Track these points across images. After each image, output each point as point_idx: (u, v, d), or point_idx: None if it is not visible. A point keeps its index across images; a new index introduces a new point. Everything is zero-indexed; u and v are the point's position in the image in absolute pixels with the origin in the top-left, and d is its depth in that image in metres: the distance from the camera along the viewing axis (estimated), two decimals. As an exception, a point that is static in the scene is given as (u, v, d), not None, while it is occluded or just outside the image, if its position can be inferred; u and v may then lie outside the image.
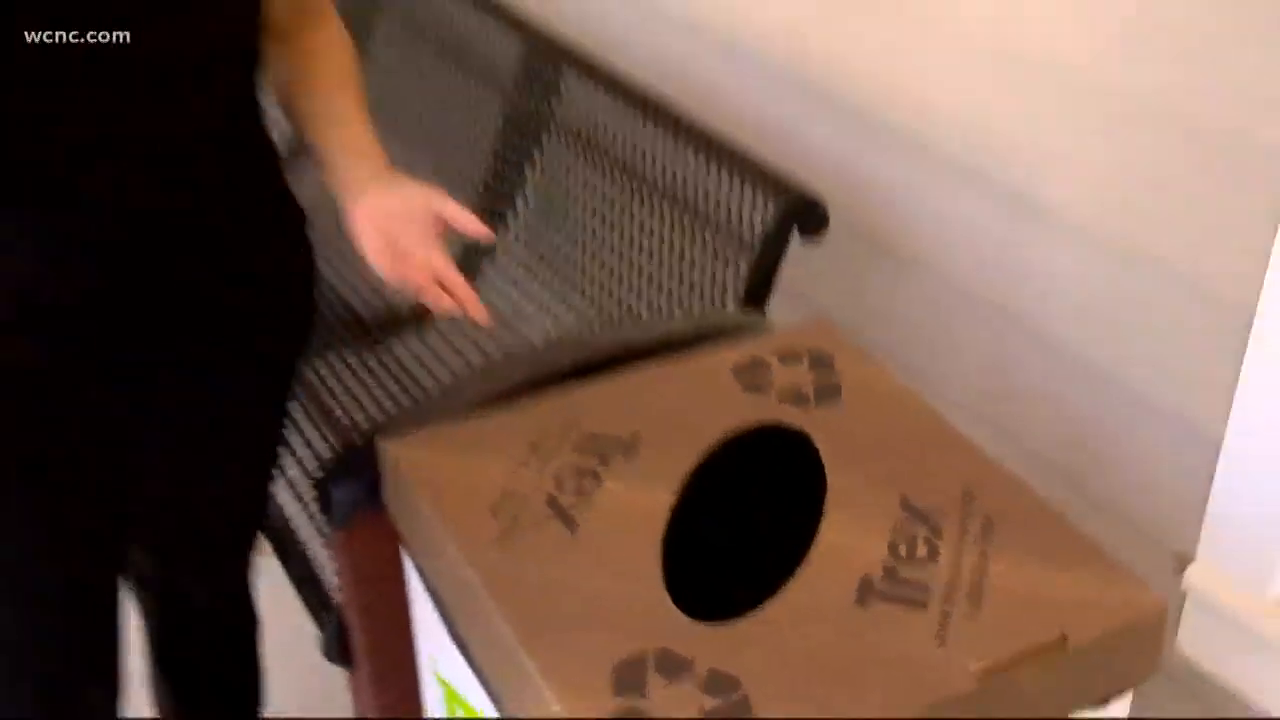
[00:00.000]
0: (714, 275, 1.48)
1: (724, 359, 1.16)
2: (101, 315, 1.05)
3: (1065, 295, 1.36)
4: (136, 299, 1.05)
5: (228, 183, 1.09)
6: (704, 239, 1.51)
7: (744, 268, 1.43)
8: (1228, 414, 1.21)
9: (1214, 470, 1.23)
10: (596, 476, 1.00)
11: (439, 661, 1.08)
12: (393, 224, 1.04)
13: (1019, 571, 0.90)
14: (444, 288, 1.05)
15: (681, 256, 1.54)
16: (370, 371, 1.70)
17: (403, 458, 1.02)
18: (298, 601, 1.47)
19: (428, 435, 1.05)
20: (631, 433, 1.05)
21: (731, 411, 1.08)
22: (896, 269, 1.56)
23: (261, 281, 1.15)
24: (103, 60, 0.93)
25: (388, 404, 1.64)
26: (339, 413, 1.63)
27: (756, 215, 1.44)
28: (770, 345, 1.18)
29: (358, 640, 1.16)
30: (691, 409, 1.09)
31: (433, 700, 1.14)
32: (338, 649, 1.22)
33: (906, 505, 0.97)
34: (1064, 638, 0.85)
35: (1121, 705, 0.92)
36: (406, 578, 1.09)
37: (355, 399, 1.64)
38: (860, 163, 1.55)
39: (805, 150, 1.60)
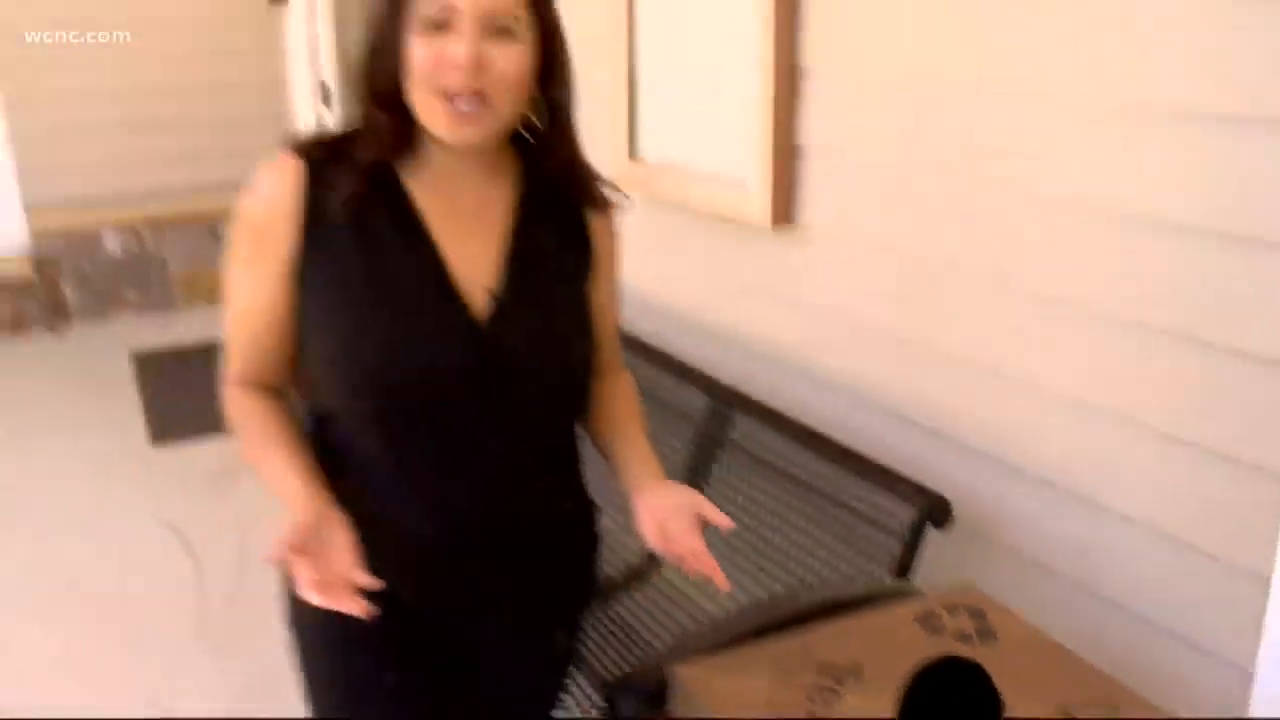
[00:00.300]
0: (868, 554, 1.92)
1: (907, 611, 1.57)
2: (446, 574, 1.43)
3: (1137, 577, 1.77)
4: (474, 567, 1.43)
5: (556, 483, 1.50)
6: (857, 528, 1.95)
7: (892, 547, 1.87)
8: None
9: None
10: (836, 692, 1.38)
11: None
12: (665, 514, 1.38)
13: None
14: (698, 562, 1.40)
15: (841, 540, 1.98)
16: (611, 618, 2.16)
17: (690, 677, 1.41)
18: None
19: (706, 661, 1.44)
20: (854, 661, 1.45)
21: (921, 647, 1.48)
22: (989, 549, 1.98)
23: (567, 560, 1.56)
24: (505, 391, 1.36)
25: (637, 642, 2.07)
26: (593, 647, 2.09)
27: (899, 512, 1.89)
28: (938, 601, 1.59)
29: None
30: (893, 644, 1.48)
31: None
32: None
33: (1064, 711, 1.35)
34: None
35: None
36: None
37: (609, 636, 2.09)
38: (964, 476, 2.01)
39: (925, 463, 2.06)
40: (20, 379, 4.83)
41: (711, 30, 2.47)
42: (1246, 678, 1.65)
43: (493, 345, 1.36)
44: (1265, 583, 1.60)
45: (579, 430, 1.54)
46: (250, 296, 1.38)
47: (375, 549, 1.28)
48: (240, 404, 1.43)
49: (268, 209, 1.35)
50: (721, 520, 1.36)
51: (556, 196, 1.44)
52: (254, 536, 3.43)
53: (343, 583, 1.21)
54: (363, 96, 1.35)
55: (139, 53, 5.33)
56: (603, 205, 1.47)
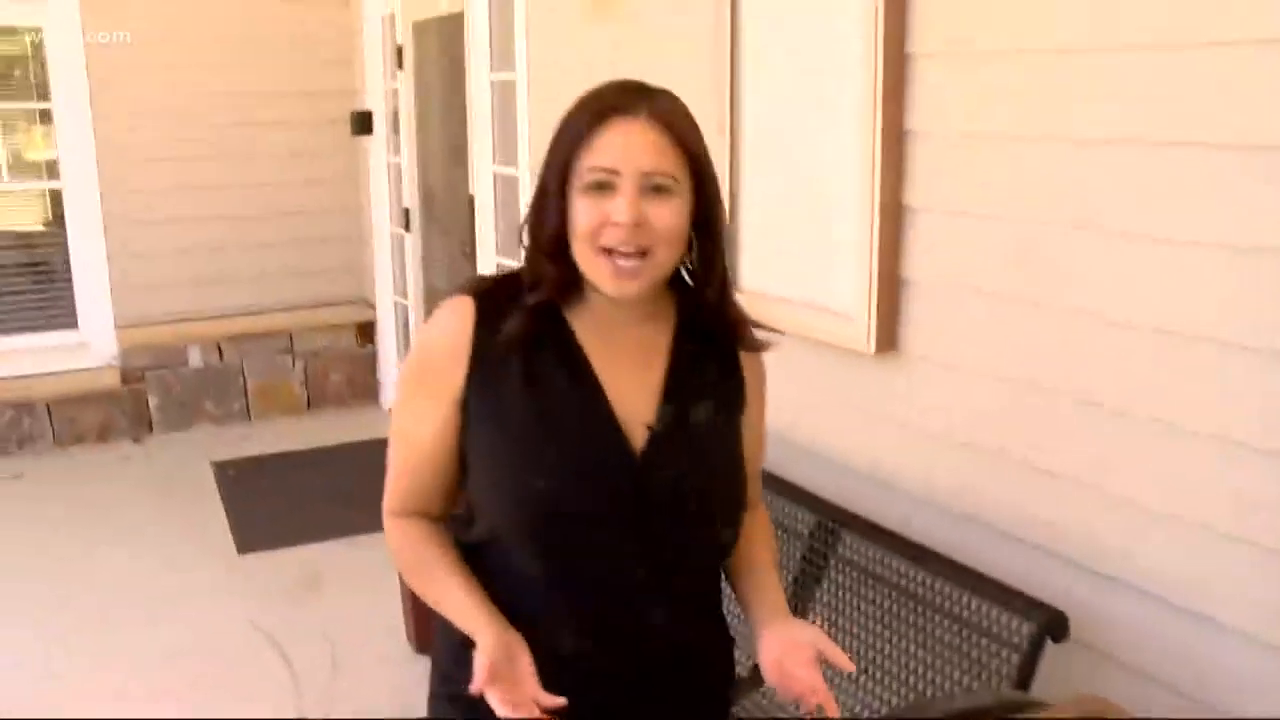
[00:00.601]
0: (985, 668, 2.01)
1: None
2: (590, 693, 1.43)
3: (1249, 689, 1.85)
4: (617, 690, 1.49)
5: (702, 614, 1.58)
6: (973, 643, 2.05)
7: (1011, 661, 1.96)
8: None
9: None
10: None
11: None
12: (786, 651, 1.45)
13: None
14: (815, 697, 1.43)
15: (957, 652, 2.07)
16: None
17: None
18: None
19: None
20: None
21: (1066, 755, 1.57)
22: (1096, 661, 2.06)
23: (705, 691, 1.61)
24: (658, 521, 1.46)
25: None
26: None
27: (1017, 626, 1.99)
28: (1072, 710, 1.68)
29: None
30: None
31: None
32: None
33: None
34: None
35: None
36: None
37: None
38: (1070, 588, 2.11)
39: (1031, 577, 2.16)
40: (109, 486, 4.98)
41: (817, 170, 2.65)
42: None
43: (648, 477, 1.45)
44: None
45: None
46: (417, 429, 1.49)
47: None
48: (404, 533, 1.53)
49: (442, 346, 1.47)
50: (842, 662, 1.42)
51: (710, 336, 1.53)
52: (344, 642, 3.53)
53: (530, 705, 1.31)
54: (530, 246, 1.47)
55: (229, 184, 5.63)
56: (753, 346, 1.55)
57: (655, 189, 1.39)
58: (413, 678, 3.35)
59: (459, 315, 1.46)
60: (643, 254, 1.39)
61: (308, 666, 3.41)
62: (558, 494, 1.43)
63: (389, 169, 5.69)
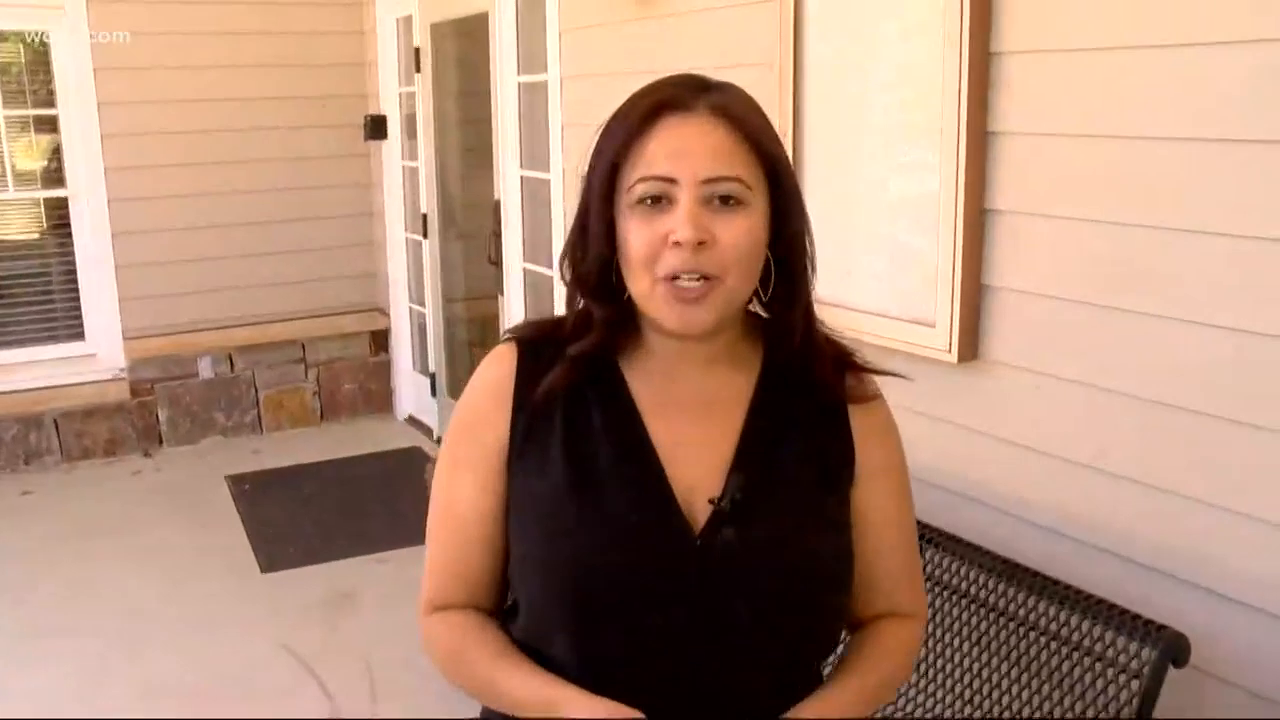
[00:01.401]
0: (1102, 692, 1.91)
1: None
2: None
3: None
4: None
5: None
6: (1085, 664, 1.95)
7: (1131, 686, 1.86)
8: None
9: None
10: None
11: None
12: None
13: None
14: None
15: (1067, 678, 1.97)
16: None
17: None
18: None
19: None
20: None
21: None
22: (1207, 686, 1.97)
23: None
24: (723, 617, 1.17)
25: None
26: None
27: (1137, 650, 1.88)
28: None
29: None
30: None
31: None
32: None
33: None
34: None
35: None
36: None
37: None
38: (1177, 608, 2.02)
39: (1132, 596, 2.07)
40: (120, 502, 4.82)
41: (893, 175, 2.55)
42: None
43: (709, 563, 1.16)
44: None
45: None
46: (459, 500, 1.25)
47: None
48: (444, 624, 1.27)
49: (480, 400, 1.25)
50: None
51: (803, 386, 1.24)
52: (383, 665, 3.40)
53: None
54: (571, 282, 1.23)
55: (238, 191, 5.49)
56: (860, 396, 1.26)
57: (722, 200, 1.14)
58: (458, 701, 3.23)
59: (500, 365, 1.25)
60: (709, 280, 1.13)
61: (346, 691, 3.28)
62: (593, 576, 1.17)
63: (404, 174, 5.56)
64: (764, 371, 1.25)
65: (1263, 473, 1.90)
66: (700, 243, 1.12)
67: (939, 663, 2.22)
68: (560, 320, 1.27)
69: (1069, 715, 1.98)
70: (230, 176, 5.46)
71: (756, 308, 1.26)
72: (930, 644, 2.24)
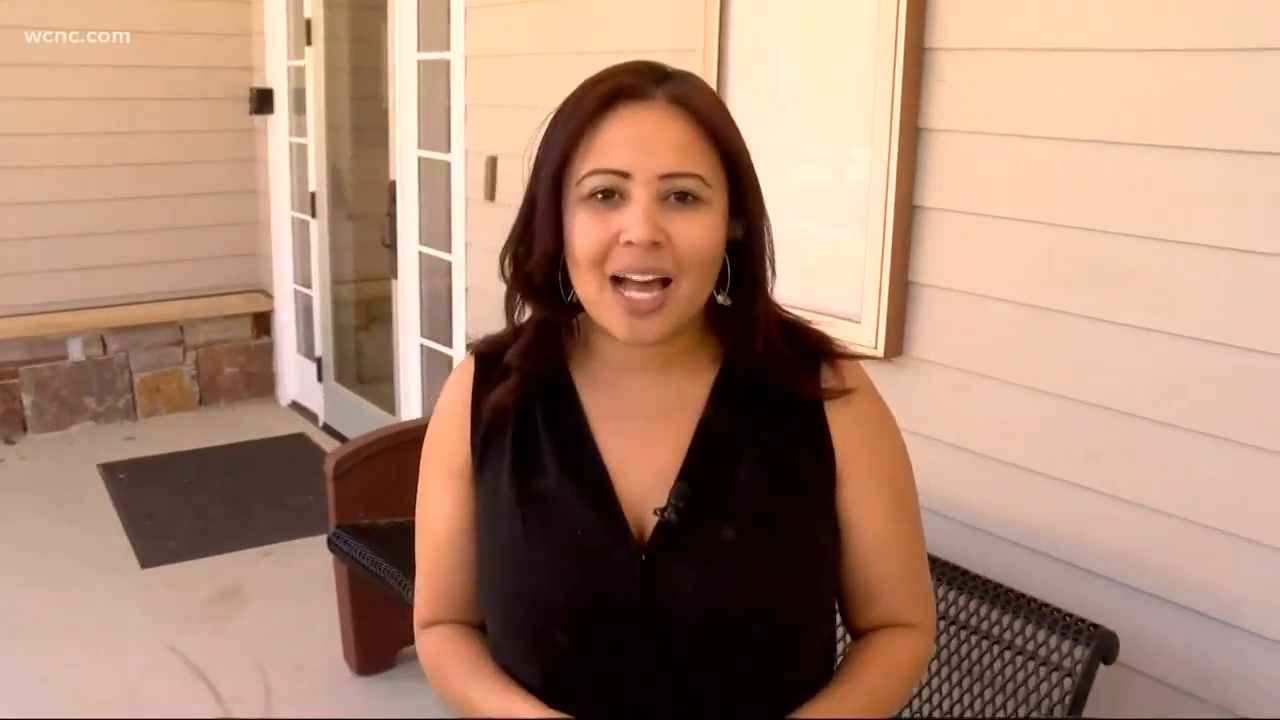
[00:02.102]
0: (1034, 691, 1.93)
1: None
2: None
3: None
4: None
5: None
6: (1026, 667, 1.96)
7: (1063, 683, 1.88)
8: None
9: None
10: None
11: None
12: None
13: None
14: None
15: (1000, 676, 1.98)
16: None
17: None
18: None
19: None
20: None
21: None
22: (1139, 681, 2.01)
23: None
24: (673, 641, 1.11)
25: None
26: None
27: (1069, 648, 1.90)
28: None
29: None
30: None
31: None
32: None
33: None
34: None
35: None
36: None
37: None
38: (1100, 603, 2.05)
39: (1056, 592, 2.09)
40: (-18, 494, 4.53)
41: (821, 169, 2.52)
42: None
43: (655, 580, 1.10)
44: None
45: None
46: (440, 522, 1.23)
47: None
48: (438, 645, 1.24)
49: (444, 419, 1.22)
50: None
51: (766, 388, 1.16)
52: (275, 665, 3.26)
53: None
54: (511, 281, 1.16)
55: (114, 164, 5.19)
56: (836, 392, 1.17)
57: (679, 196, 1.06)
58: (354, 705, 3.12)
59: (458, 382, 1.22)
60: (664, 283, 1.06)
61: (239, 696, 3.13)
62: (543, 598, 1.13)
63: (291, 151, 5.34)
64: (721, 374, 1.17)
65: (1186, 473, 1.94)
66: (655, 243, 1.04)
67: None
68: (518, 329, 1.19)
69: (1000, 714, 1.99)
70: (104, 149, 5.15)
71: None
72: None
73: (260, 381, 5.70)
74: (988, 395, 2.24)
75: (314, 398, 5.44)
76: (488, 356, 1.21)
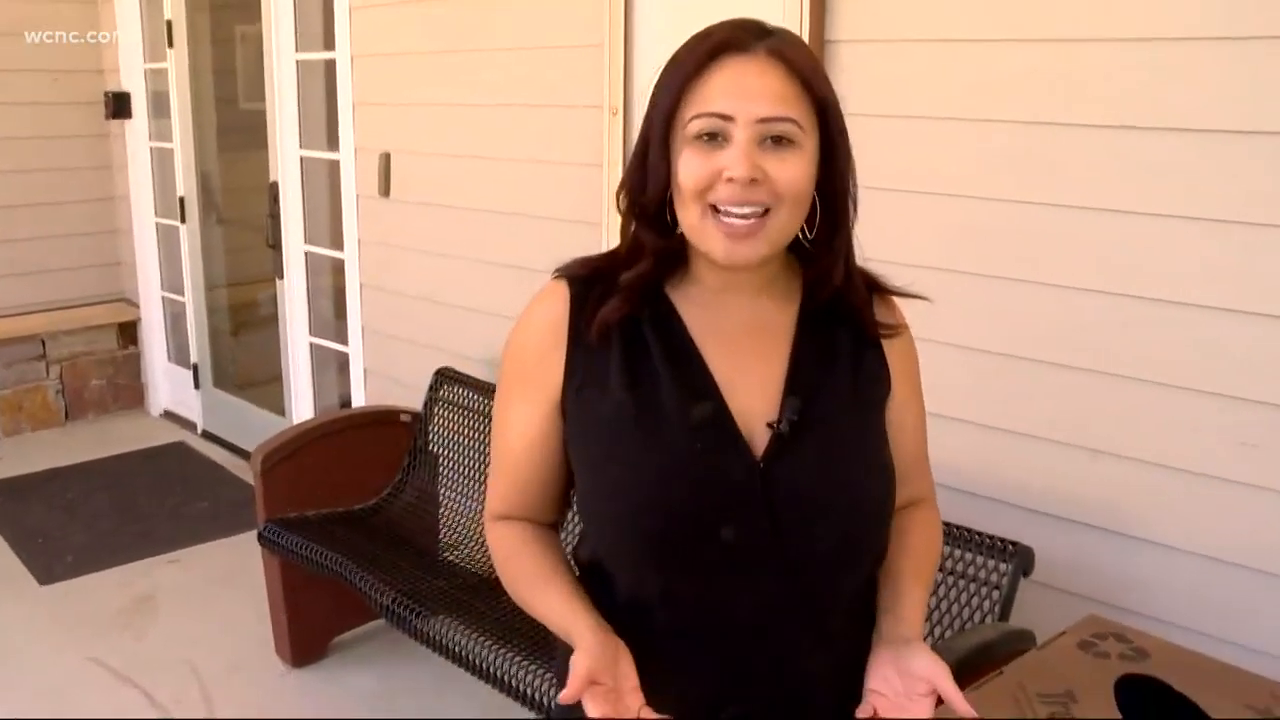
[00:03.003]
0: (972, 604, 2.19)
1: (1066, 643, 1.83)
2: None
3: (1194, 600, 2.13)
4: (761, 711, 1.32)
5: (845, 638, 1.32)
6: (958, 585, 2.22)
7: (992, 595, 2.15)
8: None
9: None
10: (1069, 711, 1.62)
11: None
12: (892, 675, 1.24)
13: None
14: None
15: (946, 599, 2.23)
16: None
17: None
18: None
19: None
20: (1065, 689, 1.69)
21: (1103, 669, 1.75)
22: (1044, 593, 2.29)
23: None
24: (788, 534, 1.24)
25: None
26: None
27: (994, 565, 2.17)
28: (1086, 632, 1.87)
29: None
30: (1080, 671, 1.74)
31: None
32: None
33: (1250, 707, 1.65)
34: None
35: None
36: None
37: None
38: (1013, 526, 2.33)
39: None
40: None
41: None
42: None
43: (774, 484, 1.24)
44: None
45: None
46: (516, 430, 1.32)
47: (649, 690, 1.17)
48: (506, 539, 1.36)
49: (534, 339, 1.30)
50: (961, 705, 1.20)
51: (843, 314, 1.31)
52: (206, 667, 3.27)
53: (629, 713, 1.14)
54: (626, 212, 1.28)
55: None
56: (892, 331, 1.34)
57: (775, 139, 1.18)
58: (295, 697, 3.17)
59: (552, 303, 1.29)
60: (758, 215, 1.18)
61: (176, 698, 3.14)
62: (663, 509, 1.23)
63: (153, 156, 5.24)
64: (805, 301, 1.31)
65: (1081, 407, 2.23)
66: (753, 180, 1.17)
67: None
68: (610, 254, 1.31)
69: (937, 628, 2.24)
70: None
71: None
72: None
73: (129, 392, 5.57)
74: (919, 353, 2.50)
75: (190, 405, 5.37)
76: (584, 281, 1.29)
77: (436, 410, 3.43)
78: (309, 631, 3.28)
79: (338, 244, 4.16)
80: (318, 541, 3.00)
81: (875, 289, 1.35)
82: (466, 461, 3.31)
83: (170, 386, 5.53)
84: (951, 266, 2.38)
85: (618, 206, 1.30)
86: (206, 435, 5.24)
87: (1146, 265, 2.11)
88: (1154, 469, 2.16)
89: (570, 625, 1.23)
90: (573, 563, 1.38)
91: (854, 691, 1.26)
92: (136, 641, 3.44)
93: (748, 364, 1.28)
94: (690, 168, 1.19)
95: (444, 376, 3.44)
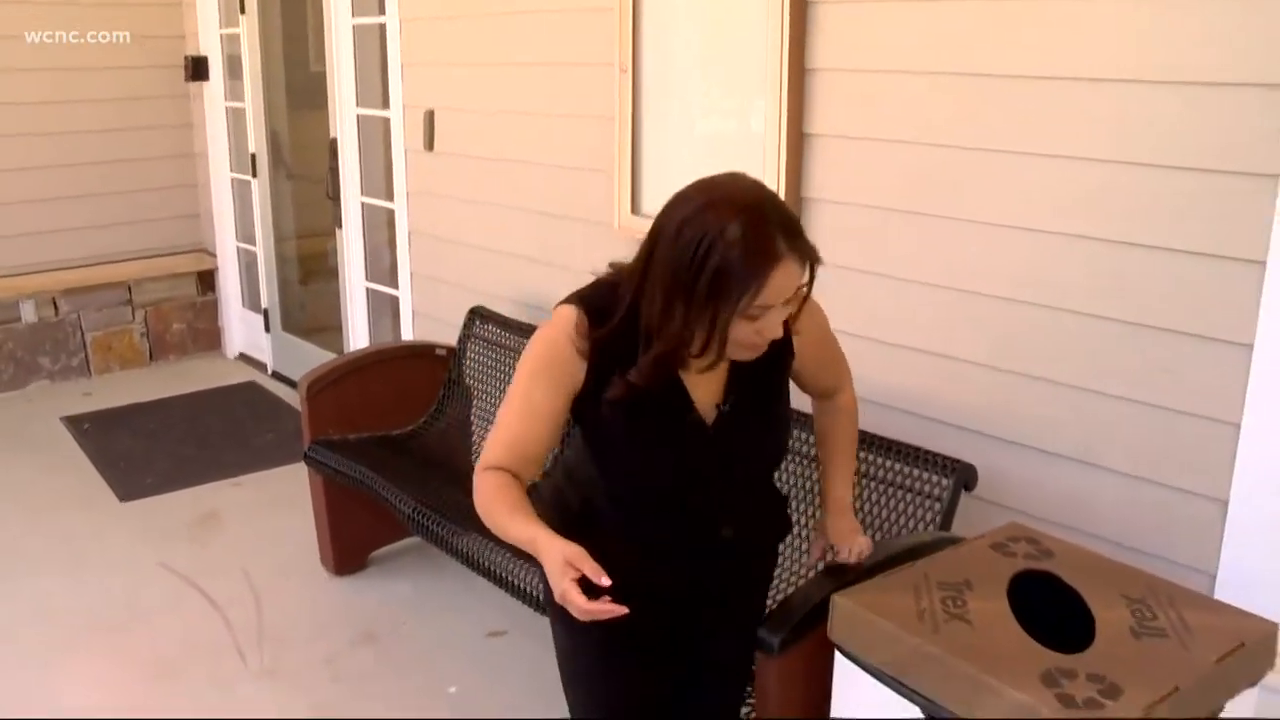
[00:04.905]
0: (916, 514, 2.41)
1: (981, 544, 2.06)
2: (673, 590, 1.90)
3: (1121, 515, 2.32)
4: (696, 581, 1.91)
5: (762, 511, 2.00)
6: (905, 497, 2.44)
7: (934, 507, 2.37)
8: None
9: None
10: (963, 599, 1.85)
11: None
12: (844, 538, 2.02)
13: (1199, 617, 1.79)
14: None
15: (893, 511, 2.46)
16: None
17: (853, 601, 1.84)
18: None
19: (855, 590, 1.88)
20: (964, 579, 1.92)
21: (1004, 566, 1.96)
22: (989, 510, 2.50)
23: (763, 552, 2.08)
24: (728, 476, 1.87)
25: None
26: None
27: (937, 480, 2.39)
28: (1002, 535, 2.09)
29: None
30: (984, 566, 1.96)
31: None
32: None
33: (1126, 596, 1.86)
34: (1243, 644, 1.72)
35: (1254, 690, 1.79)
36: (831, 678, 1.89)
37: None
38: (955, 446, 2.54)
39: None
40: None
41: (721, 104, 2.95)
42: (1210, 580, 2.21)
43: (720, 446, 1.83)
44: (1224, 505, 2.17)
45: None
46: (534, 406, 1.74)
47: (626, 585, 1.59)
48: (494, 479, 1.74)
49: (561, 344, 1.72)
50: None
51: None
52: (259, 573, 3.64)
53: (600, 593, 1.55)
54: (652, 330, 1.66)
55: (58, 132, 5.45)
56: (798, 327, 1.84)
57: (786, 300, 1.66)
58: (335, 600, 3.52)
59: (579, 327, 1.72)
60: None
61: (230, 600, 3.50)
62: (651, 472, 1.82)
63: (228, 115, 5.62)
64: None
65: (1032, 338, 2.42)
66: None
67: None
68: (613, 288, 1.73)
69: (885, 535, 2.47)
70: (50, 117, 5.43)
71: None
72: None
73: (207, 336, 6.00)
74: (868, 287, 2.72)
75: (261, 348, 5.77)
76: (597, 311, 1.72)
77: (471, 345, 3.73)
78: (350, 544, 3.62)
79: (390, 196, 4.47)
80: (354, 459, 3.32)
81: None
82: (497, 393, 3.60)
83: (244, 330, 5.94)
84: (899, 207, 2.60)
85: (645, 321, 1.67)
86: (276, 375, 5.64)
87: (1064, 205, 2.31)
88: (1083, 393, 2.35)
89: (535, 534, 1.65)
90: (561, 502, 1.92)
91: (752, 542, 1.98)
92: (201, 550, 3.83)
93: (708, 380, 1.81)
94: (744, 333, 1.64)
95: (476, 314, 3.74)
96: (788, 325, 1.72)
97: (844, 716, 1.92)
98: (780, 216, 1.62)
